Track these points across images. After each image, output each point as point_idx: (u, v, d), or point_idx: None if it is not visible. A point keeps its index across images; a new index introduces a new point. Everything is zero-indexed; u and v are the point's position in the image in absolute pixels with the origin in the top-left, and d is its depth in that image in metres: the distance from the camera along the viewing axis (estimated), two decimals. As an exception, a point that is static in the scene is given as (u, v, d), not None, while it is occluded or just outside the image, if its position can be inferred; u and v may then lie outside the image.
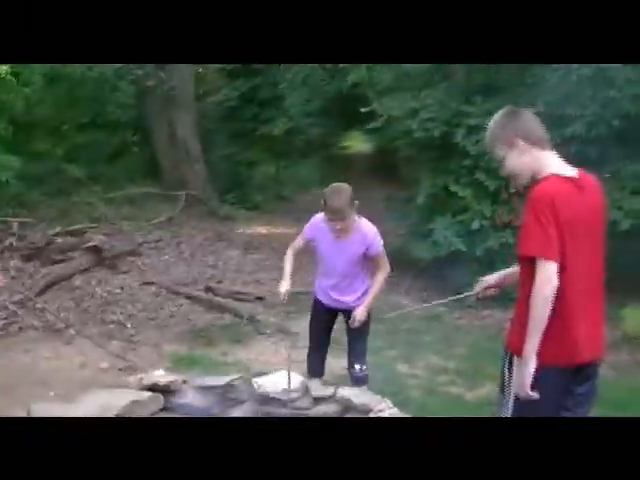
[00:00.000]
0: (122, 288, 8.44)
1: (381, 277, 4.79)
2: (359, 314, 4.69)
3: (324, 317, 5.04)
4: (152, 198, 12.52)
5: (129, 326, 7.35)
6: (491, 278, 3.83)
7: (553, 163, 3.35)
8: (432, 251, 8.90)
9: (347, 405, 4.26)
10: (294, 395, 4.31)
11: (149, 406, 4.13)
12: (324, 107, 15.97)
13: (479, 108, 8.69)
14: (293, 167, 16.50)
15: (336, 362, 5.59)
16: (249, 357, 6.78)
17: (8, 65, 9.15)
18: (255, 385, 4.37)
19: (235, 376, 4.50)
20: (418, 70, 9.74)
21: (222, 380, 4.42)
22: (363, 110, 9.63)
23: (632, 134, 8.08)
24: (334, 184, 4.69)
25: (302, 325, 7.77)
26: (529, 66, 8.51)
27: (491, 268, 7.65)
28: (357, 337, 4.84)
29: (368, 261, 4.78)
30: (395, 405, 4.25)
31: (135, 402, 4.04)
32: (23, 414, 4.90)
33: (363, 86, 10.50)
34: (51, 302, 7.65)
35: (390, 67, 9.84)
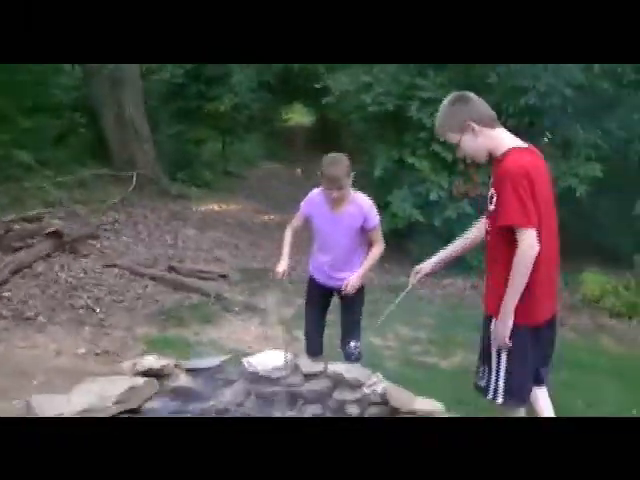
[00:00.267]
0: (85, 272, 8.39)
1: (376, 251, 4.85)
2: (352, 280, 4.75)
3: (319, 296, 5.09)
4: (102, 179, 12.38)
5: (98, 310, 7.32)
6: (426, 267, 4.14)
7: (507, 138, 3.59)
8: (390, 223, 9.05)
9: (338, 380, 4.35)
10: (283, 372, 4.39)
11: (145, 391, 4.17)
12: (267, 82, 16.01)
13: (432, 81, 8.85)
14: (238, 143, 16.48)
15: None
16: (221, 336, 6.86)
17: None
18: (245, 364, 4.44)
19: (225, 357, 4.56)
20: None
21: (213, 362, 4.47)
22: (317, 86, 9.67)
23: (584, 103, 8.33)
24: (331, 154, 4.73)
25: (268, 301, 7.95)
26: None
27: (450, 237, 7.93)
28: (350, 314, 4.90)
29: (364, 236, 4.84)
30: (378, 378, 4.37)
31: (132, 388, 4.08)
32: (8, 406, 4.99)
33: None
34: (16, 290, 7.56)
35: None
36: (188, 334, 6.86)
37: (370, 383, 4.25)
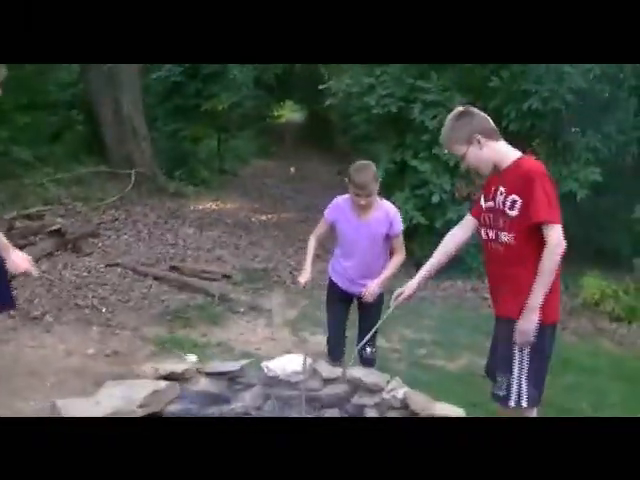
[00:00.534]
0: (89, 271, 8.41)
1: (397, 259, 4.91)
2: (371, 288, 4.81)
3: (341, 301, 5.13)
4: (99, 177, 12.37)
5: (104, 310, 7.35)
6: (407, 290, 4.22)
7: (510, 149, 3.80)
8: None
9: (357, 385, 4.41)
10: (302, 377, 4.44)
11: (167, 394, 4.22)
12: (262, 80, 16.04)
13: (434, 84, 8.90)
14: (232, 141, 16.50)
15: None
16: (229, 337, 6.88)
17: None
18: (265, 369, 4.49)
19: (244, 361, 4.61)
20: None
21: (233, 366, 4.52)
22: (321, 87, 9.71)
23: (584, 107, 8.42)
24: (359, 161, 4.81)
25: (273, 302, 8.00)
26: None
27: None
28: (368, 320, 4.91)
29: (387, 243, 4.90)
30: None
31: (155, 392, 4.13)
32: (25, 406, 5.02)
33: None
34: (21, 289, 7.57)
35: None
36: (195, 335, 6.89)
37: (390, 388, 4.31)
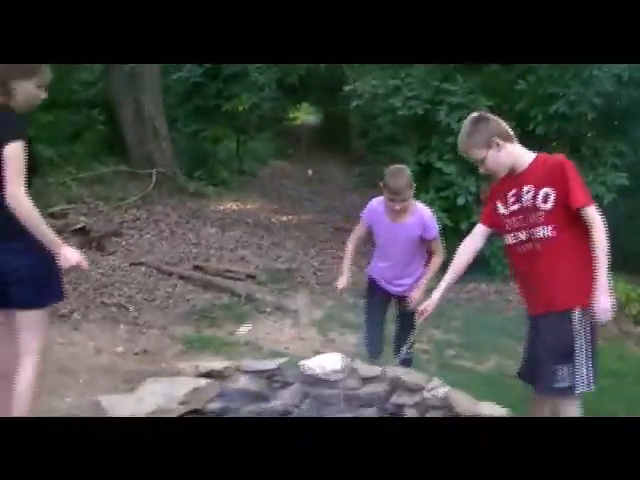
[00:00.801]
0: (114, 270, 8.43)
1: (436, 262, 4.91)
2: (415, 296, 4.81)
3: (380, 300, 5.14)
4: (119, 176, 12.39)
5: (131, 309, 7.35)
6: (430, 305, 4.29)
7: (524, 151, 3.91)
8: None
9: (396, 384, 4.39)
10: (340, 375, 4.43)
11: (207, 392, 4.21)
12: (282, 80, 16.03)
13: (461, 86, 8.89)
14: (250, 142, 16.51)
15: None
16: (257, 337, 6.88)
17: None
18: (302, 367, 4.48)
19: (282, 360, 4.60)
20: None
21: (271, 364, 4.51)
22: (346, 89, 9.69)
23: (611, 112, 8.40)
24: (394, 166, 4.82)
25: (298, 302, 8.00)
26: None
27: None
28: (408, 320, 4.91)
29: (423, 245, 4.89)
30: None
31: (196, 389, 4.12)
32: (60, 404, 5.02)
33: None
34: (48, 286, 7.58)
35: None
36: (223, 334, 6.89)
37: (431, 387, 4.29)
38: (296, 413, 4.37)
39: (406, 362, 4.92)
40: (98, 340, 6.53)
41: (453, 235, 8.74)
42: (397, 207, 4.67)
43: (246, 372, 4.46)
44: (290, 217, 12.81)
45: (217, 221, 11.45)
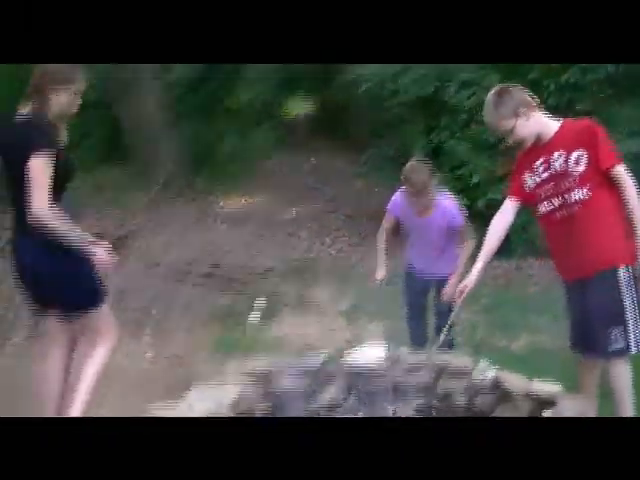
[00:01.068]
0: (130, 274, 8.32)
1: (466, 249, 4.87)
2: (450, 288, 4.75)
3: (418, 287, 5.09)
4: (125, 179, 12.30)
5: (154, 312, 7.26)
6: (469, 283, 4.24)
7: (548, 119, 4.00)
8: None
9: (443, 369, 4.30)
10: (385, 365, 4.35)
11: (255, 394, 4.12)
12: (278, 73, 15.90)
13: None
14: (251, 137, 16.34)
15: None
16: (286, 332, 6.80)
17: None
18: (346, 360, 4.40)
19: (324, 354, 4.52)
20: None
21: (315, 360, 4.42)
22: (353, 76, 9.54)
23: (625, 79, 8.28)
24: (413, 162, 4.78)
25: (321, 294, 7.91)
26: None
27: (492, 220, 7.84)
28: (446, 304, 4.89)
29: (451, 234, 4.85)
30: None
31: (244, 392, 4.04)
32: (102, 412, 4.93)
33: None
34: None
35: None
36: (252, 332, 6.80)
37: (479, 369, 4.21)
38: (344, 408, 4.29)
39: (447, 346, 4.84)
40: (125, 346, 6.41)
41: (470, 215, 8.67)
42: (419, 203, 4.62)
43: (290, 370, 4.37)
44: (299, 208, 12.70)
45: (227, 218, 11.35)
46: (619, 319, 3.81)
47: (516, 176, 4.14)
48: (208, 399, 3.92)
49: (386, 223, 5.16)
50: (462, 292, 4.26)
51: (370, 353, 4.43)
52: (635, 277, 3.81)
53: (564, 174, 3.85)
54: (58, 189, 3.62)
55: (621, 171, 3.78)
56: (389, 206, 5.04)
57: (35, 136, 3.56)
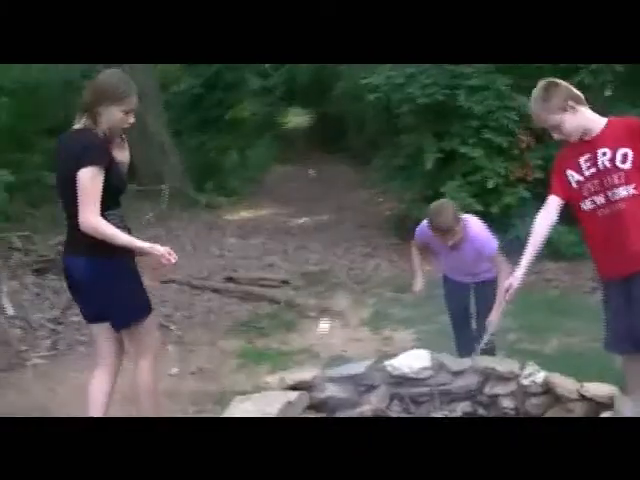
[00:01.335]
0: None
1: (502, 276, 4.60)
2: (492, 319, 4.59)
3: (458, 293, 5.01)
4: (131, 196, 12.18)
5: (173, 328, 7.17)
6: (515, 281, 4.11)
7: (594, 114, 3.91)
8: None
9: (489, 374, 4.24)
10: (430, 372, 4.29)
11: (299, 405, 4.05)
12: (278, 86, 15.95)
13: (477, 68, 8.74)
14: (253, 149, 16.34)
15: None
16: (312, 343, 6.70)
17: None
18: (389, 368, 4.33)
19: (367, 362, 4.44)
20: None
21: (358, 368, 4.34)
22: (364, 82, 9.48)
23: (635, 80, 8.28)
24: (437, 202, 4.73)
25: (341, 303, 7.83)
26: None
27: (509, 224, 7.80)
28: (486, 303, 4.78)
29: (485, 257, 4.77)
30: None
31: (289, 403, 3.95)
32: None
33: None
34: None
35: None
36: (276, 344, 6.71)
37: (527, 373, 4.14)
38: (388, 415, 4.22)
39: (489, 351, 4.75)
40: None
41: (486, 220, 8.62)
42: (449, 243, 4.57)
43: (332, 379, 4.29)
44: (306, 219, 12.65)
45: (236, 230, 11.31)
46: None
47: (558, 173, 4.03)
48: (251, 412, 3.82)
49: (415, 244, 5.08)
50: (508, 291, 4.15)
51: (413, 360, 4.36)
52: None
53: (610, 171, 3.78)
54: (110, 202, 3.59)
55: None
56: (417, 233, 4.94)
57: (85, 150, 3.55)
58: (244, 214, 12.63)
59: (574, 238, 7.68)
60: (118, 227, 3.70)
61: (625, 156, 3.73)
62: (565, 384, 4.00)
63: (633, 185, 3.75)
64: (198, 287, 8.40)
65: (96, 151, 3.59)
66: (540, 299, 7.85)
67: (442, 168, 9.12)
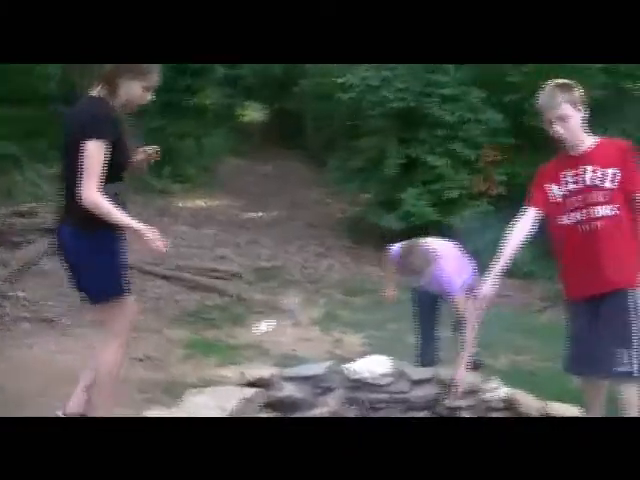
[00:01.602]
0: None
1: (467, 314, 4.56)
2: (459, 376, 4.30)
3: (428, 303, 4.89)
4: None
5: (119, 311, 6.95)
6: (487, 291, 3.97)
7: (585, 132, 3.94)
8: (403, 221, 8.89)
9: (449, 386, 4.18)
10: (390, 379, 4.21)
11: (255, 402, 3.93)
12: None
13: (452, 78, 8.72)
14: (209, 138, 16.12)
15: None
16: (261, 339, 6.58)
17: None
18: (347, 371, 4.24)
19: (327, 363, 4.35)
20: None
21: (317, 369, 4.25)
22: (340, 80, 9.38)
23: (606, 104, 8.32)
24: (405, 244, 4.64)
25: (292, 301, 7.72)
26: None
27: (468, 237, 7.76)
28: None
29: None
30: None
31: (247, 400, 3.84)
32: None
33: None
34: (30, 290, 7.14)
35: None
36: (223, 337, 6.56)
37: (490, 388, 4.09)
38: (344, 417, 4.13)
39: (477, 366, 4.67)
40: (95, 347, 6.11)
41: (443, 230, 8.61)
42: (419, 281, 4.51)
43: (291, 379, 4.18)
44: (260, 214, 12.51)
45: (188, 219, 11.10)
46: (628, 342, 3.70)
47: (539, 186, 3.97)
48: (209, 406, 3.69)
49: (385, 259, 4.97)
50: (481, 304, 4.07)
51: (374, 365, 4.28)
52: None
53: (594, 189, 3.76)
54: (112, 177, 3.46)
55: None
56: (390, 255, 4.82)
57: (93, 120, 3.40)
58: (198, 203, 12.42)
59: (528, 255, 7.66)
60: (115, 203, 3.52)
61: (614, 176, 3.73)
62: (528, 401, 3.97)
63: (614, 205, 3.74)
64: (149, 272, 8.17)
65: (105, 123, 3.42)
66: (491, 314, 7.82)
67: (403, 174, 9.07)
